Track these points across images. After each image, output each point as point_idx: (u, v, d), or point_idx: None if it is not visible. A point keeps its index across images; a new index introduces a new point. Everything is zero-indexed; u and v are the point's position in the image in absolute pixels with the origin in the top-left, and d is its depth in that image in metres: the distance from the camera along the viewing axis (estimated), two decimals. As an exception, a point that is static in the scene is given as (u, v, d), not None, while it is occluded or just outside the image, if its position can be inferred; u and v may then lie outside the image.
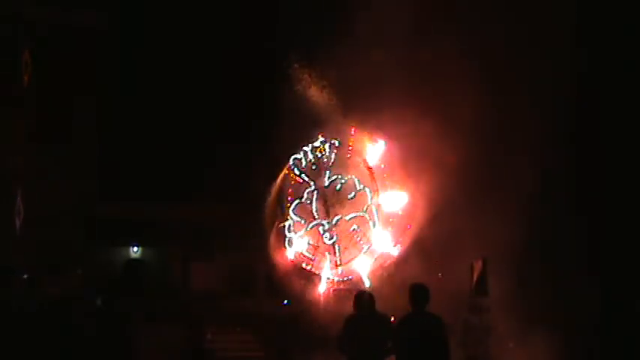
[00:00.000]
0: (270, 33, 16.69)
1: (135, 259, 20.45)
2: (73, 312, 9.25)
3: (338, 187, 13.53)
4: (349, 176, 13.42)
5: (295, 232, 13.60)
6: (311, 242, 13.54)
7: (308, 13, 13.75)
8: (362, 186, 13.30)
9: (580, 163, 13.10)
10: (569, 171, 12.91)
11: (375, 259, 13.12)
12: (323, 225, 13.45)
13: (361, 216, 13.33)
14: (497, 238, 11.19)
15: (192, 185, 18.02)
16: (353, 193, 13.37)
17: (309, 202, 13.66)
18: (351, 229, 13.38)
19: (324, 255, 13.45)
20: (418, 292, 8.34)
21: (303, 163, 13.88)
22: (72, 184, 16.44)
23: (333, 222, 13.30)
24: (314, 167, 13.79)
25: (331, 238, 13.39)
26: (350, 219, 13.38)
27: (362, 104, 13.12)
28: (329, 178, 13.59)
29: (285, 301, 14.26)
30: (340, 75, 13.05)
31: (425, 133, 12.20)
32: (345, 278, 13.37)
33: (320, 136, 13.66)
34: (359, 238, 13.27)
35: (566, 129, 12.44)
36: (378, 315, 8.68)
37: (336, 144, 13.69)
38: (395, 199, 13.16)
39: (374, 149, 13.40)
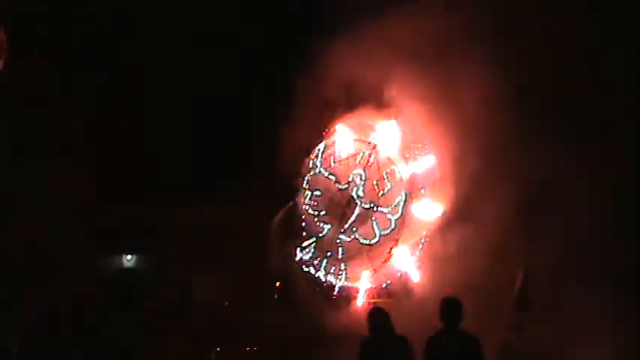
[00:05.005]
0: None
1: (128, 269, 19.77)
2: (60, 332, 8.70)
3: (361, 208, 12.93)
4: (373, 218, 12.79)
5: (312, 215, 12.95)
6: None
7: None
8: (379, 239, 12.77)
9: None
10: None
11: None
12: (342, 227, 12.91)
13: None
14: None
15: (194, 188, 17.49)
16: (367, 241, 12.83)
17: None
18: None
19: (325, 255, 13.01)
20: (450, 308, 7.74)
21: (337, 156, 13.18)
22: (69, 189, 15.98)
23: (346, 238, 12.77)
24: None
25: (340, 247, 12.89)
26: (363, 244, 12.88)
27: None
28: (359, 196, 12.90)
29: None
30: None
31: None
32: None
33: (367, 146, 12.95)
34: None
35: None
36: (394, 337, 8.00)
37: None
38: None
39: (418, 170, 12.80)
